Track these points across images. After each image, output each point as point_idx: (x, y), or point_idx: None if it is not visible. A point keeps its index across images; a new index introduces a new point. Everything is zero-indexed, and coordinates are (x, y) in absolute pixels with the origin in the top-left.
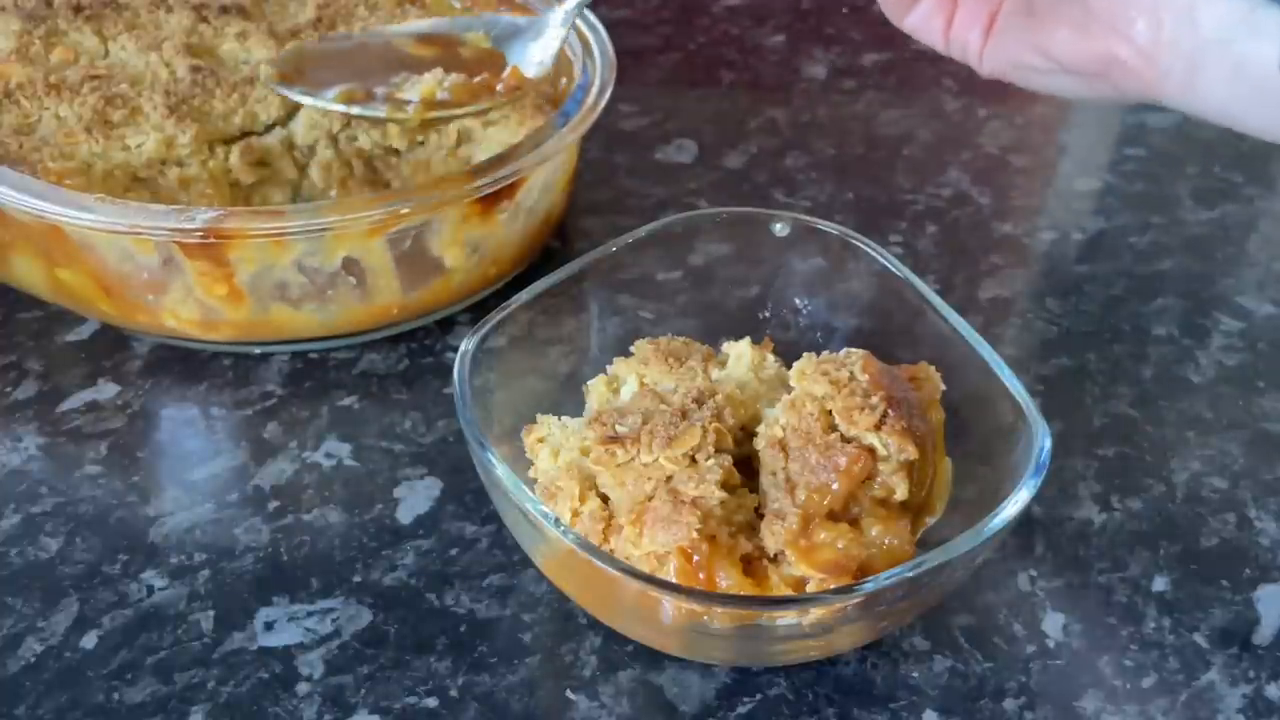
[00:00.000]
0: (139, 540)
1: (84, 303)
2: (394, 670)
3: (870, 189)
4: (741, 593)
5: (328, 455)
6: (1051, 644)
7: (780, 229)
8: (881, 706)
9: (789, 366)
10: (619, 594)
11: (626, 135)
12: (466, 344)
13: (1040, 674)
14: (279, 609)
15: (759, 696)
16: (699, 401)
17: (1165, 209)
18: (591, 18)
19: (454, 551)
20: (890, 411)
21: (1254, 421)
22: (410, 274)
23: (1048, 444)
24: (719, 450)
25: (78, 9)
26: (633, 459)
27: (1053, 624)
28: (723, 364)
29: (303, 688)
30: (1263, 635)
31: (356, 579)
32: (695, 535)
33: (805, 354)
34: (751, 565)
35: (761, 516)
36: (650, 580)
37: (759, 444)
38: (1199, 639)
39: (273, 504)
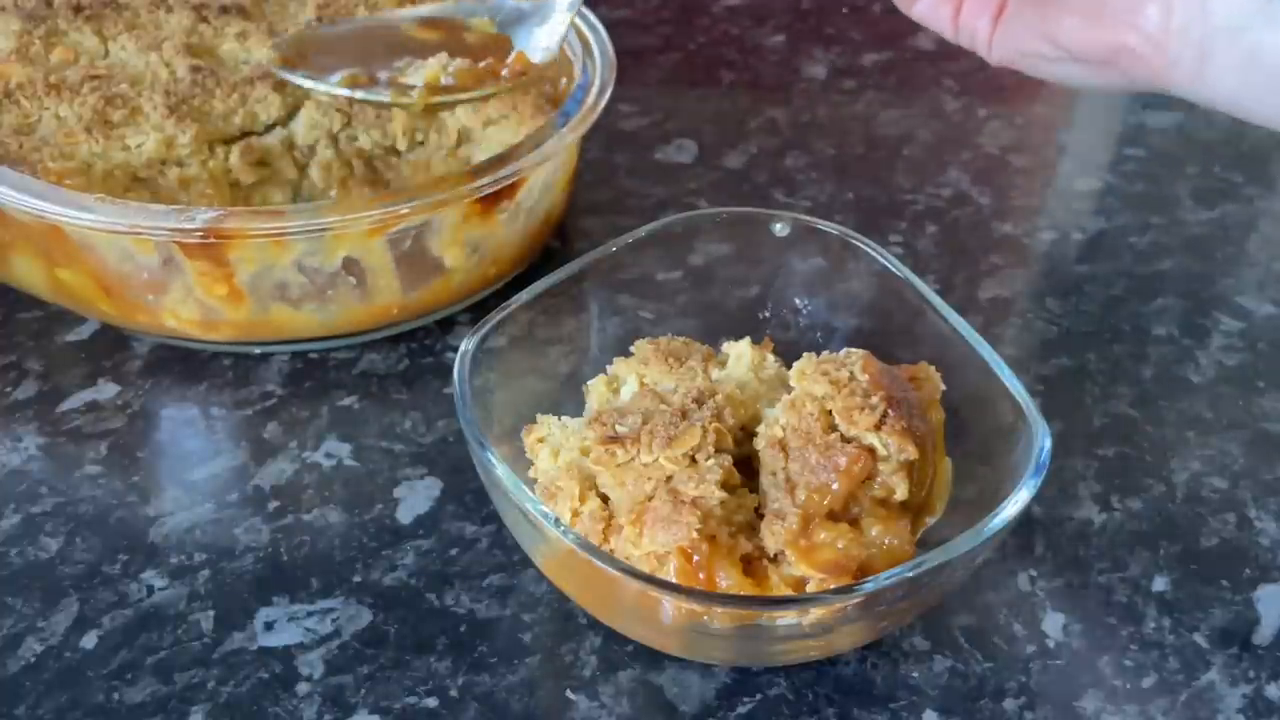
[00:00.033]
0: (139, 540)
1: (84, 303)
2: (394, 670)
3: (870, 189)
4: (741, 593)
5: (328, 455)
6: (1051, 644)
7: (780, 229)
8: (881, 706)
9: (789, 366)
10: (619, 594)
11: (626, 135)
12: (466, 344)
13: (1040, 674)
14: (279, 609)
15: (759, 696)
16: (699, 401)
17: (1165, 209)
18: (591, 18)
19: (454, 551)
20: (890, 411)
21: (1254, 421)
22: (410, 274)
23: (1048, 444)
24: (719, 450)
25: (78, 9)
26: (633, 459)
27: (1053, 624)
28: (723, 364)
29: (303, 688)
30: (1263, 635)
31: (356, 579)
32: (695, 535)
33: (805, 354)
34: (751, 565)
35: (761, 516)
36: (650, 580)
37: (759, 444)
38: (1199, 639)
39: (273, 504)
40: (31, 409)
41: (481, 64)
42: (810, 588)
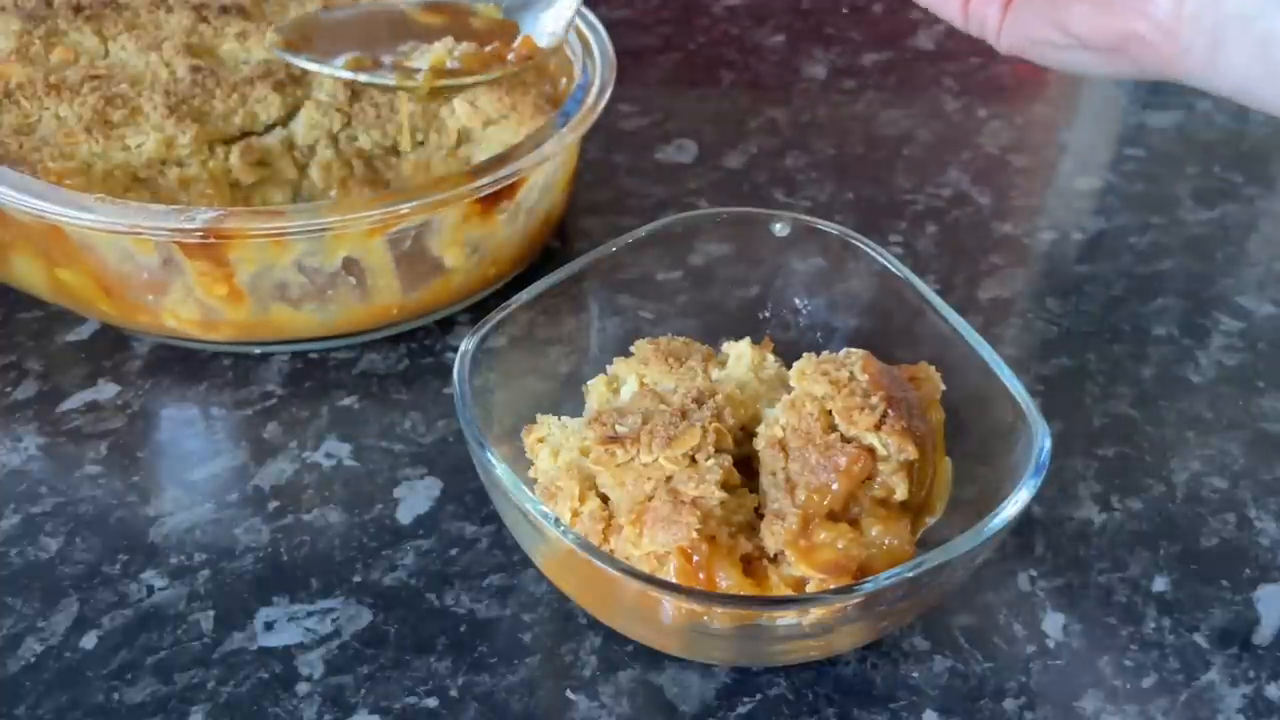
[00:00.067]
0: (139, 540)
1: (84, 303)
2: (394, 670)
3: (870, 189)
4: (741, 593)
5: (328, 455)
6: (1051, 644)
7: (780, 229)
8: (881, 706)
9: (789, 366)
10: (619, 594)
11: (626, 135)
12: (466, 344)
13: (1040, 674)
14: (279, 609)
15: (759, 696)
16: (699, 401)
17: (1165, 209)
18: (591, 18)
19: (454, 551)
20: (890, 411)
21: (1254, 421)
22: (410, 274)
23: (1048, 444)
24: (719, 450)
25: (78, 9)
26: (633, 459)
27: (1053, 624)
28: (723, 364)
29: (303, 688)
30: (1263, 635)
31: (356, 579)
32: (695, 535)
33: (805, 354)
34: (751, 565)
35: (761, 516)
36: (650, 580)
37: (759, 444)
38: (1199, 639)
39: (273, 504)
40: (31, 409)
41: (487, 48)
42: (810, 588)
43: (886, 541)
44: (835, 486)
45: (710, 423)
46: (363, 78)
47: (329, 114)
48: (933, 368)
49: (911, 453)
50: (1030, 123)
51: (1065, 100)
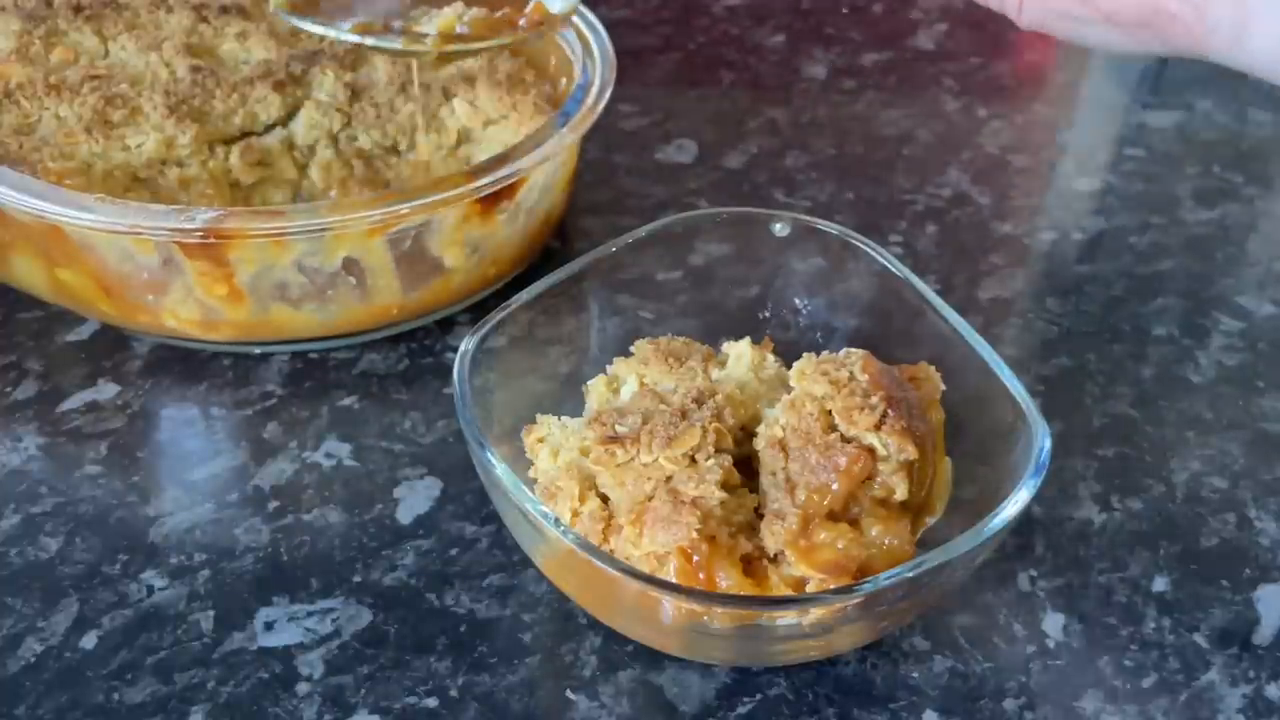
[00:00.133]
0: (139, 540)
1: (84, 303)
2: (394, 670)
3: (870, 189)
4: (741, 593)
5: (328, 455)
6: (1051, 644)
7: (780, 229)
8: (881, 706)
9: (789, 366)
10: (619, 594)
11: (626, 135)
12: (466, 344)
13: (1040, 674)
14: (279, 609)
15: (759, 696)
16: (699, 401)
17: (1165, 209)
18: (591, 18)
19: (454, 551)
20: (890, 411)
21: (1254, 421)
22: (410, 274)
23: (1048, 444)
24: (719, 450)
25: (78, 9)
26: (633, 459)
27: (1053, 624)
28: (723, 364)
29: (303, 688)
30: (1263, 635)
31: (356, 579)
32: (695, 535)
33: (805, 354)
34: (751, 565)
35: (761, 516)
36: (650, 580)
37: (759, 444)
38: (1199, 639)
39: (273, 504)
40: (31, 409)
41: (498, 13)
42: (810, 588)
43: (886, 541)
44: (835, 486)
45: (710, 423)
46: (369, 41)
47: (329, 114)
48: (933, 368)
49: (911, 453)
50: (1030, 123)
51: (1065, 100)
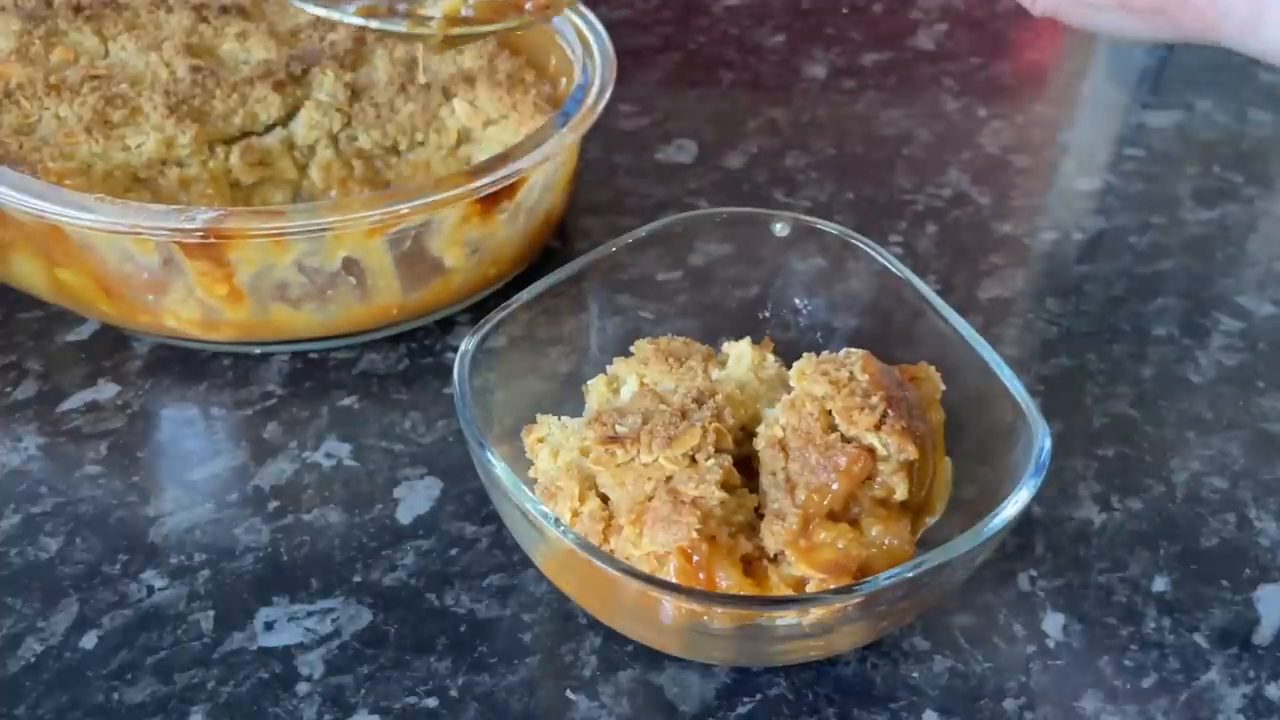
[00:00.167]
0: (139, 540)
1: (84, 303)
2: (394, 670)
3: (870, 189)
4: (741, 593)
5: (328, 455)
6: (1051, 644)
7: (780, 229)
8: (881, 706)
9: (789, 366)
10: (619, 594)
11: (626, 135)
12: (466, 344)
13: (1040, 674)
14: (279, 609)
15: (759, 696)
16: (699, 401)
17: (1165, 209)
18: (591, 17)
19: (454, 551)
20: (890, 411)
21: (1254, 421)
22: (410, 274)
23: (1048, 444)
24: (719, 450)
25: (78, 9)
26: (633, 459)
27: (1053, 624)
28: (723, 364)
29: (303, 688)
30: (1263, 635)
31: (356, 579)
32: (695, 535)
33: (805, 354)
34: (751, 565)
35: (761, 516)
36: (650, 580)
37: (759, 444)
38: (1199, 639)
39: (273, 504)
40: (31, 409)
41: None
42: (810, 588)
43: (886, 541)
44: (835, 486)
45: (710, 423)
46: (374, 24)
47: (329, 114)
48: (933, 368)
49: (911, 453)
50: (1030, 123)
51: (1065, 100)
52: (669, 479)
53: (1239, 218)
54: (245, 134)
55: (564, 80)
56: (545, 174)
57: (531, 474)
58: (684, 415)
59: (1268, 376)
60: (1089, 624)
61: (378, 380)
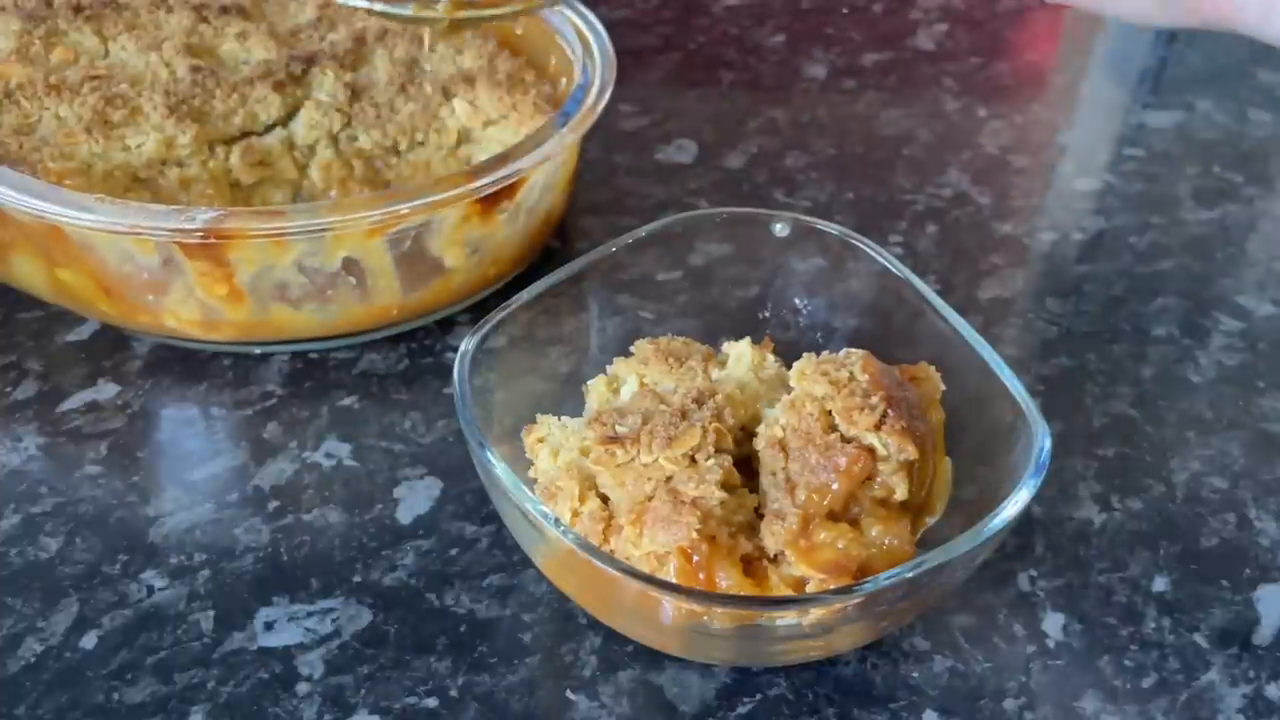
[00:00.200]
0: (139, 540)
1: (84, 303)
2: (394, 670)
3: (870, 189)
4: (741, 593)
5: (328, 455)
6: (1051, 644)
7: (780, 229)
8: (881, 706)
9: (789, 366)
10: (619, 594)
11: (626, 135)
12: (466, 344)
13: (1040, 674)
14: (279, 609)
15: (759, 696)
16: (699, 401)
17: (1165, 209)
18: (591, 17)
19: (454, 551)
20: (890, 411)
21: (1254, 421)
22: (410, 274)
23: (1048, 444)
24: (719, 450)
25: (78, 9)
26: (633, 459)
27: (1053, 624)
28: (723, 364)
29: (303, 688)
30: (1263, 635)
31: (356, 579)
32: (695, 535)
33: (805, 354)
34: (751, 565)
35: (761, 516)
36: (650, 580)
37: (759, 444)
38: (1199, 639)
39: (273, 504)
40: (31, 409)
41: None
42: (810, 588)
43: (886, 541)
44: (835, 486)
45: (710, 423)
46: (379, 7)
47: (329, 114)
48: (933, 368)
49: (911, 453)
50: (1030, 123)
51: (1065, 100)
52: (669, 479)
53: (1239, 218)
54: (245, 134)
55: (564, 80)
56: (545, 174)
57: (531, 474)
58: (684, 415)
59: (1268, 376)
60: (1089, 624)
61: (378, 380)
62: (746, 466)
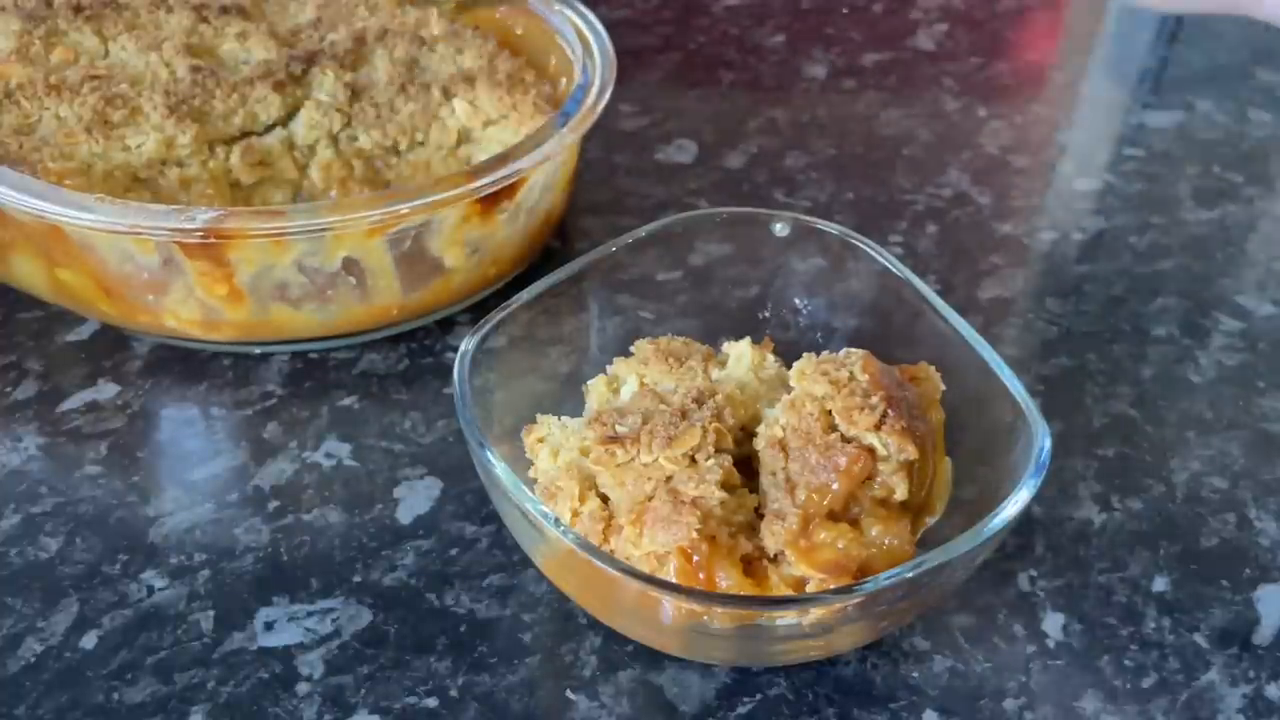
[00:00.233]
0: (139, 540)
1: (84, 303)
2: (394, 670)
3: (870, 189)
4: (741, 593)
5: (328, 455)
6: (1051, 644)
7: (780, 229)
8: (881, 706)
9: (789, 366)
10: (619, 594)
11: (626, 135)
12: (466, 344)
13: (1040, 674)
14: (279, 609)
15: (759, 696)
16: (699, 401)
17: (1165, 209)
18: (591, 17)
19: (454, 551)
20: (890, 411)
21: (1254, 421)
22: (410, 274)
23: (1048, 444)
24: (719, 450)
25: (78, 9)
26: (633, 459)
27: (1053, 624)
28: (723, 364)
29: (303, 688)
30: (1263, 635)
31: (356, 579)
32: (695, 535)
33: (805, 354)
34: (751, 565)
35: (761, 516)
36: (650, 580)
37: (759, 444)
38: (1199, 639)
39: (273, 504)
40: (31, 409)
41: None
42: (810, 588)
43: (886, 541)
44: (835, 486)
45: (710, 423)
46: None
47: (329, 114)
48: (933, 368)
49: (911, 453)
50: (1030, 123)
51: (1065, 100)
52: (669, 479)
53: (1239, 218)
54: (245, 134)
55: (564, 80)
56: (545, 174)
57: (531, 474)
58: (684, 415)
59: (1268, 376)
60: (1089, 624)
61: (378, 380)
62: (746, 466)
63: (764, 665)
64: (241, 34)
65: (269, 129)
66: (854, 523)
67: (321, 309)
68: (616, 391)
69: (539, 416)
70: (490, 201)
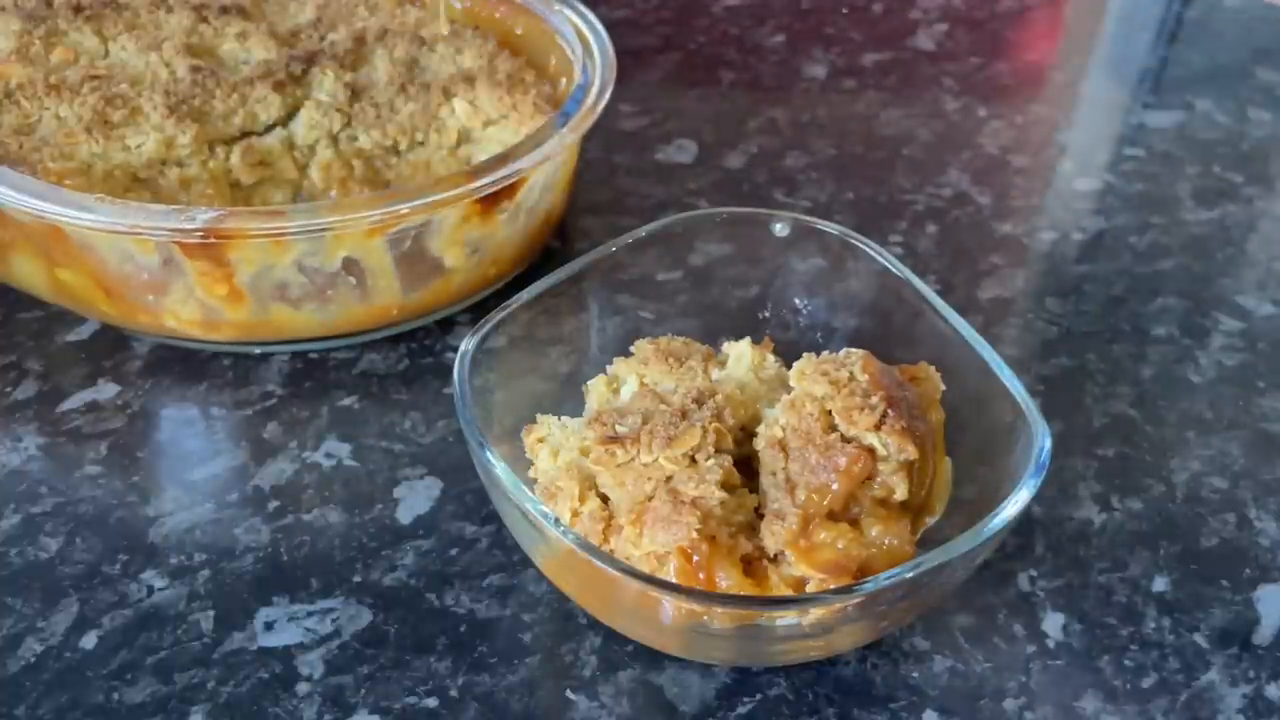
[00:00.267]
0: (139, 540)
1: (84, 303)
2: (394, 670)
3: (870, 189)
4: (741, 593)
5: (328, 455)
6: (1051, 644)
7: (780, 229)
8: (881, 706)
9: (789, 366)
10: (619, 594)
11: (626, 135)
12: (466, 344)
13: (1040, 674)
14: (279, 609)
15: (759, 696)
16: (699, 401)
17: (1165, 209)
18: (591, 17)
19: (454, 551)
20: (890, 411)
21: (1254, 421)
22: (410, 274)
23: (1048, 444)
24: (719, 450)
25: (78, 9)
26: (633, 459)
27: (1053, 624)
28: (723, 364)
29: (303, 688)
30: (1263, 635)
31: (356, 579)
32: (695, 535)
33: (805, 354)
34: (751, 565)
35: (761, 516)
36: (650, 580)
37: (759, 444)
38: (1199, 639)
39: (273, 504)
40: (31, 409)
41: None
42: (810, 588)
43: (886, 541)
44: (835, 486)
45: (710, 423)
46: None
47: (329, 114)
48: (933, 368)
49: (911, 453)
50: (1030, 123)
51: (1065, 100)
52: (669, 479)
53: (1239, 218)
54: (245, 134)
55: (564, 80)
56: (545, 174)
57: (531, 474)
58: (684, 415)
59: (1268, 376)
60: (1089, 624)
61: (378, 380)
62: (746, 466)
63: (764, 665)
64: (241, 34)
65: (269, 129)
66: (854, 523)
67: (321, 309)
68: (616, 391)
69: (539, 416)
70: (490, 201)
